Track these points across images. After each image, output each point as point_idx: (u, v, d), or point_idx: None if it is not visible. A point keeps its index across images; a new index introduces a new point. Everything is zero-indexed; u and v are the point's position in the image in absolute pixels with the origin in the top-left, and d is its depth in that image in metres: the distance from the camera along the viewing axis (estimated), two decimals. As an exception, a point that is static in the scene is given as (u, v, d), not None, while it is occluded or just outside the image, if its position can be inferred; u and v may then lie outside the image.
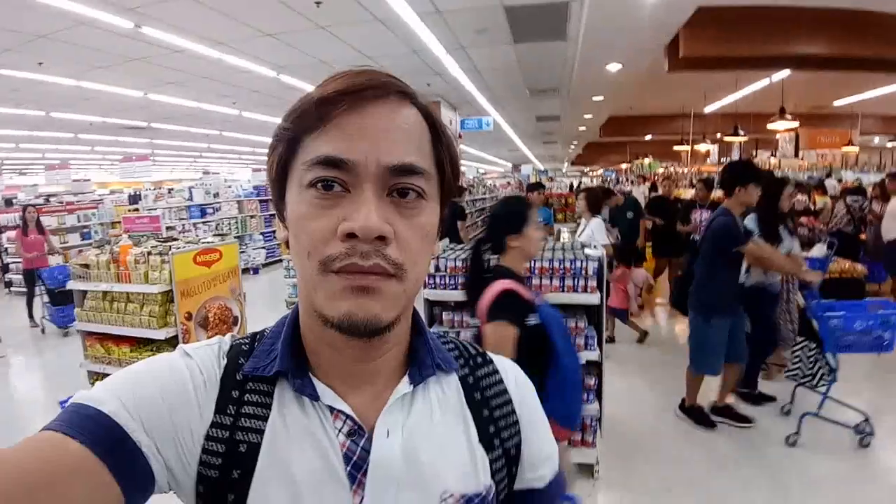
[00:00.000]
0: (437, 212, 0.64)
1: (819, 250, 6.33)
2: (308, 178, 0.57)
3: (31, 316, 8.01)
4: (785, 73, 8.73)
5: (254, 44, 7.05)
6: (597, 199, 5.54)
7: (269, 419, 0.62)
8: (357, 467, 0.62)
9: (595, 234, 5.05)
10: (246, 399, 0.63)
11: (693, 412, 4.18)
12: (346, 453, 0.62)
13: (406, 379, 0.68)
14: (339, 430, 0.63)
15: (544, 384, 2.17)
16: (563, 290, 3.28)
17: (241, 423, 0.62)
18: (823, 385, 3.86)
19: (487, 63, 8.50)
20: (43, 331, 7.54)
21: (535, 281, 3.30)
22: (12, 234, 11.03)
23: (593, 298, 3.22)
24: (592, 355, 3.25)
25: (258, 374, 0.64)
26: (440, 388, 0.71)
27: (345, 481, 0.61)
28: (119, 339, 4.56)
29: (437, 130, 0.63)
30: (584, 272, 3.25)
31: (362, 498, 0.61)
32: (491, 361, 0.78)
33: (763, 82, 9.92)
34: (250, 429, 0.61)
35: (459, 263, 3.40)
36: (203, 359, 0.65)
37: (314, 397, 0.63)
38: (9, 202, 13.46)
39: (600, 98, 11.26)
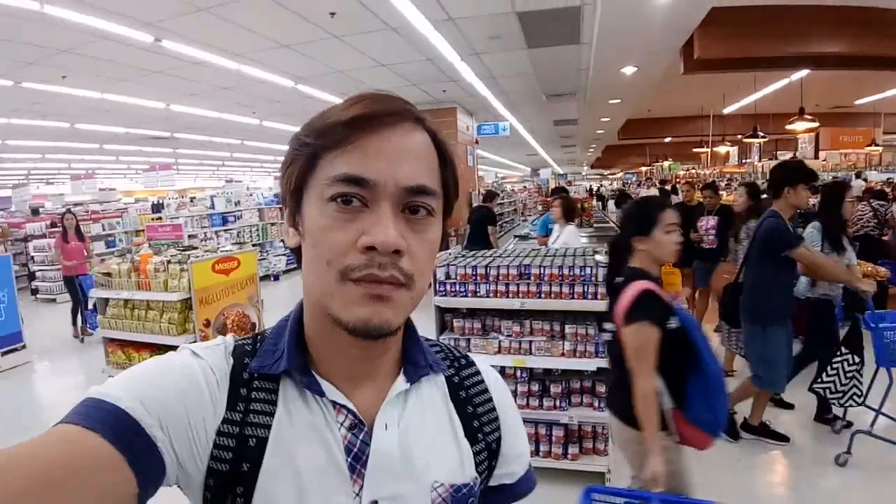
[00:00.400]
0: (440, 227, 0.69)
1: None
2: (329, 193, 0.61)
3: (74, 323, 7.85)
4: (804, 72, 8.61)
5: (271, 55, 7.16)
6: (570, 207, 5.55)
7: (276, 415, 0.66)
8: (356, 458, 0.67)
9: (569, 242, 5.06)
10: (253, 396, 0.67)
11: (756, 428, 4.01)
12: (347, 445, 0.67)
13: (402, 377, 0.73)
14: (341, 424, 0.68)
15: (686, 390, 2.09)
16: (572, 297, 3.28)
17: (250, 418, 0.66)
18: (851, 405, 3.70)
19: (502, 68, 8.52)
20: (82, 340, 7.57)
21: (545, 287, 3.31)
22: (41, 242, 11.32)
23: (603, 305, 3.22)
24: (603, 363, 3.24)
25: (264, 373, 0.68)
26: (430, 387, 0.77)
27: (345, 471, 0.66)
28: (139, 346, 4.66)
29: (443, 153, 0.68)
30: (594, 278, 3.25)
31: (361, 486, 0.66)
32: (473, 363, 0.85)
33: (782, 82, 9.81)
34: (258, 424, 0.65)
35: (470, 270, 3.42)
36: (212, 358, 0.68)
37: (320, 393, 0.68)
38: (35, 211, 13.78)
39: (617, 101, 11.21)
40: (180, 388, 0.63)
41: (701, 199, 6.55)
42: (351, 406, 0.69)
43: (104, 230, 12.29)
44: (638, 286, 2.13)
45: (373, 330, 0.61)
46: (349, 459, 0.67)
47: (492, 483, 0.81)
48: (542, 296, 3.33)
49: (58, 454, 0.50)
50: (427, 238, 0.65)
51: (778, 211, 3.58)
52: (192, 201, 12.66)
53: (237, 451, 0.64)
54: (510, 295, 3.37)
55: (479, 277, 3.41)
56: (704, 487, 3.41)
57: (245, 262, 4.79)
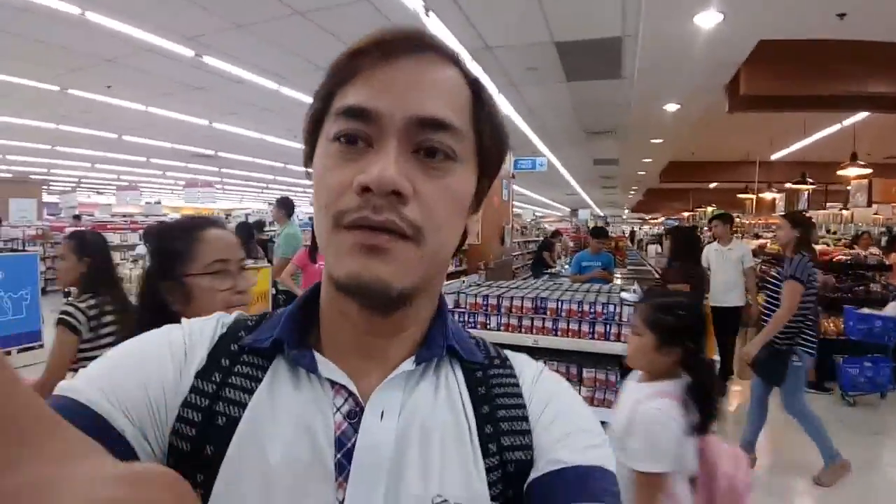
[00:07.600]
0: (470, 178, 0.57)
1: (893, 308, 5.85)
2: (334, 131, 0.53)
3: None
4: (858, 116, 8.24)
5: (310, 77, 7.15)
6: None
7: (256, 392, 0.54)
8: (348, 456, 0.52)
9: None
10: (236, 370, 0.56)
11: None
12: (340, 437, 0.53)
13: (412, 358, 0.58)
14: (338, 409, 0.54)
15: None
16: (593, 337, 3.01)
17: (224, 392, 0.54)
18: None
19: (540, 101, 8.38)
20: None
21: (562, 324, 3.06)
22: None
23: (624, 348, 2.96)
24: (622, 409, 2.96)
25: (255, 347, 0.57)
26: (449, 375, 0.61)
27: (330, 470, 0.51)
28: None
29: (479, 94, 0.57)
30: (617, 317, 2.99)
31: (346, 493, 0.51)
32: (507, 359, 0.66)
33: (834, 127, 9.39)
34: (232, 400, 0.54)
35: (481, 300, 3.21)
36: (195, 327, 0.60)
37: (311, 368, 0.55)
38: (77, 217, 14.05)
39: (659, 140, 10.95)
40: (141, 366, 0.54)
41: None
42: (351, 386, 0.55)
43: (140, 241, 12.52)
44: None
45: (365, 288, 0.50)
46: (338, 455, 0.52)
47: None
48: (559, 333, 3.08)
49: None
50: (445, 184, 0.53)
51: None
52: (227, 218, 12.82)
53: (202, 429, 0.52)
54: (523, 329, 3.14)
55: (490, 308, 3.18)
56: None
57: (260, 278, 4.68)
